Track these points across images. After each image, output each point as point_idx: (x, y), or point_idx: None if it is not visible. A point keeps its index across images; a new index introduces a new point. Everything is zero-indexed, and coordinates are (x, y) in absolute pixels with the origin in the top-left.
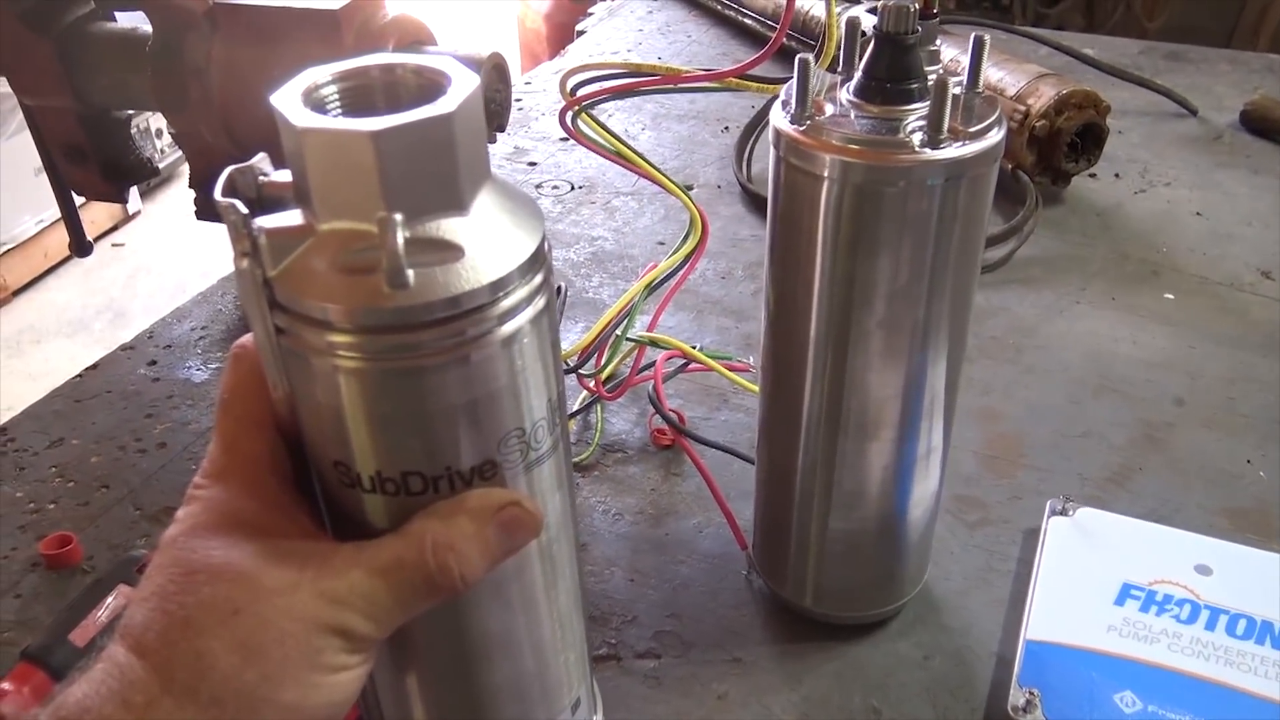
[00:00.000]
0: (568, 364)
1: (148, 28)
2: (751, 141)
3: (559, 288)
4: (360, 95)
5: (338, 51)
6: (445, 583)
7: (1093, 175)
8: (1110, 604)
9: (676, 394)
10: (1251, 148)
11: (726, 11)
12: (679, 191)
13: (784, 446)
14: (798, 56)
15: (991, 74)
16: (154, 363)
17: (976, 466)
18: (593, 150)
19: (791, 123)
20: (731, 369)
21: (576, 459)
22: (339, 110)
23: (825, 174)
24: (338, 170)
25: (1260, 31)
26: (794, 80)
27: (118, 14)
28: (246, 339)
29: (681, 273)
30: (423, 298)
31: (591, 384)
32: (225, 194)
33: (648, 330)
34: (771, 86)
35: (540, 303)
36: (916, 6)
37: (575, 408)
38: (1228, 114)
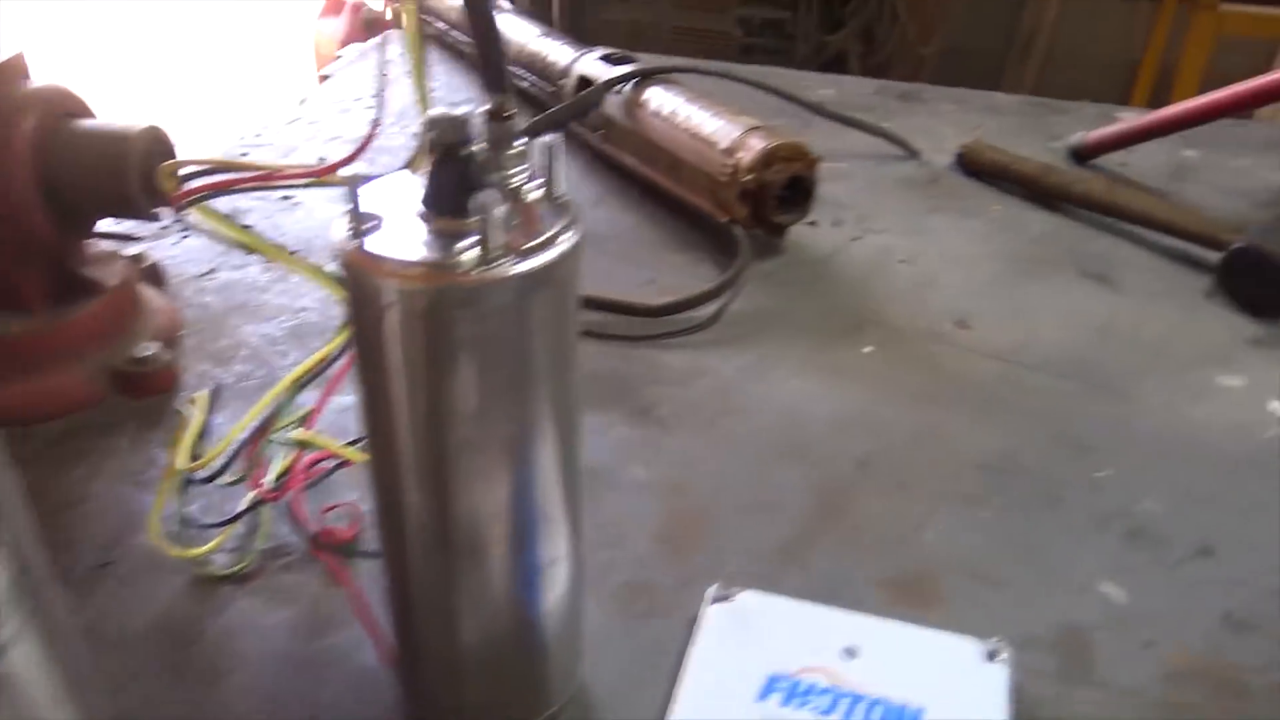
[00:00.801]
0: (205, 473)
1: None
2: None
3: (216, 386)
4: None
5: None
6: None
7: (813, 223)
8: (754, 699)
9: (353, 485)
10: (964, 190)
11: (474, 54)
12: (316, 275)
13: (400, 564)
14: (345, 175)
15: (705, 126)
16: None
17: (651, 548)
18: (216, 238)
19: (350, 239)
20: None
21: (234, 569)
22: None
23: (384, 299)
24: None
25: (1030, 52)
26: (348, 200)
27: None
28: None
29: (344, 362)
30: None
31: (254, 483)
32: None
33: (306, 427)
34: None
35: None
36: (477, 113)
37: (241, 508)
38: (948, 156)
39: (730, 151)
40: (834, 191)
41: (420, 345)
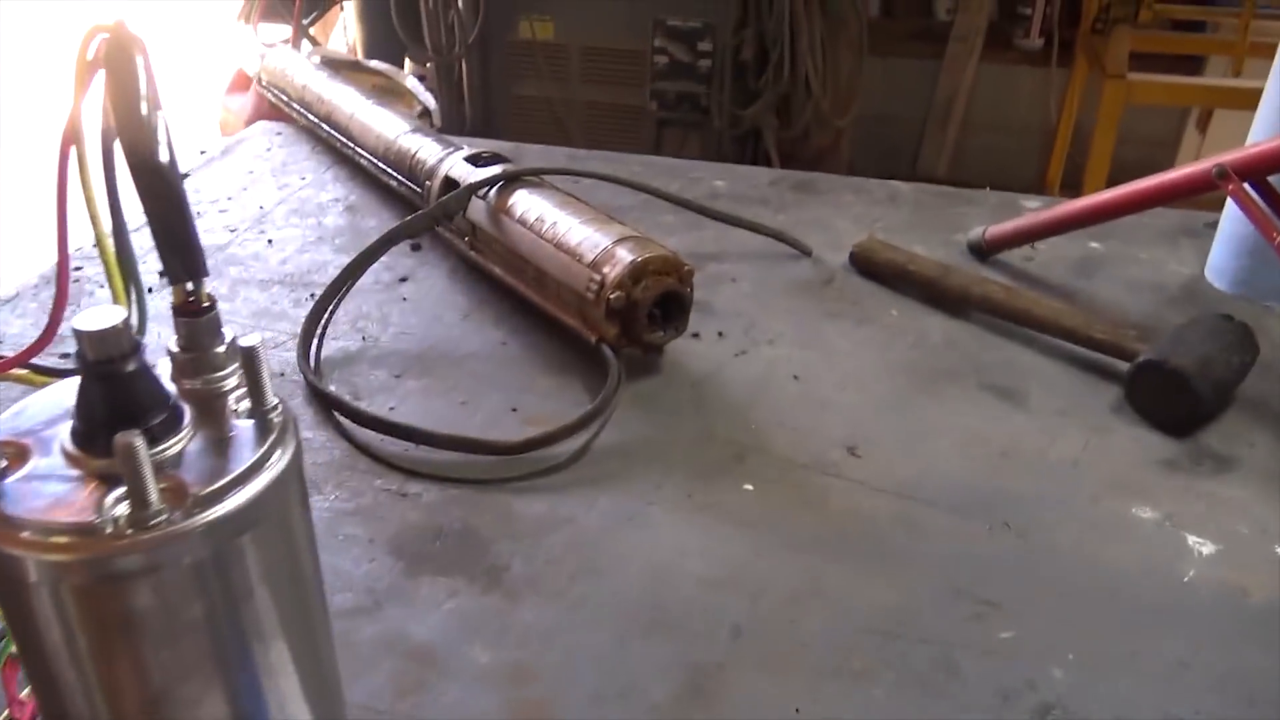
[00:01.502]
0: None
1: None
2: (326, 317)
3: None
4: None
5: None
6: None
7: (695, 335)
8: None
9: None
10: (860, 292)
11: (345, 150)
12: None
13: None
14: None
15: (572, 235)
16: None
17: None
18: None
19: None
20: None
21: None
22: None
23: (19, 572)
24: None
25: (949, 117)
26: None
27: None
28: None
29: None
30: None
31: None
32: None
33: None
34: (46, 378)
35: None
36: (129, 321)
37: None
38: (843, 253)
39: (596, 265)
40: (720, 298)
41: (79, 625)
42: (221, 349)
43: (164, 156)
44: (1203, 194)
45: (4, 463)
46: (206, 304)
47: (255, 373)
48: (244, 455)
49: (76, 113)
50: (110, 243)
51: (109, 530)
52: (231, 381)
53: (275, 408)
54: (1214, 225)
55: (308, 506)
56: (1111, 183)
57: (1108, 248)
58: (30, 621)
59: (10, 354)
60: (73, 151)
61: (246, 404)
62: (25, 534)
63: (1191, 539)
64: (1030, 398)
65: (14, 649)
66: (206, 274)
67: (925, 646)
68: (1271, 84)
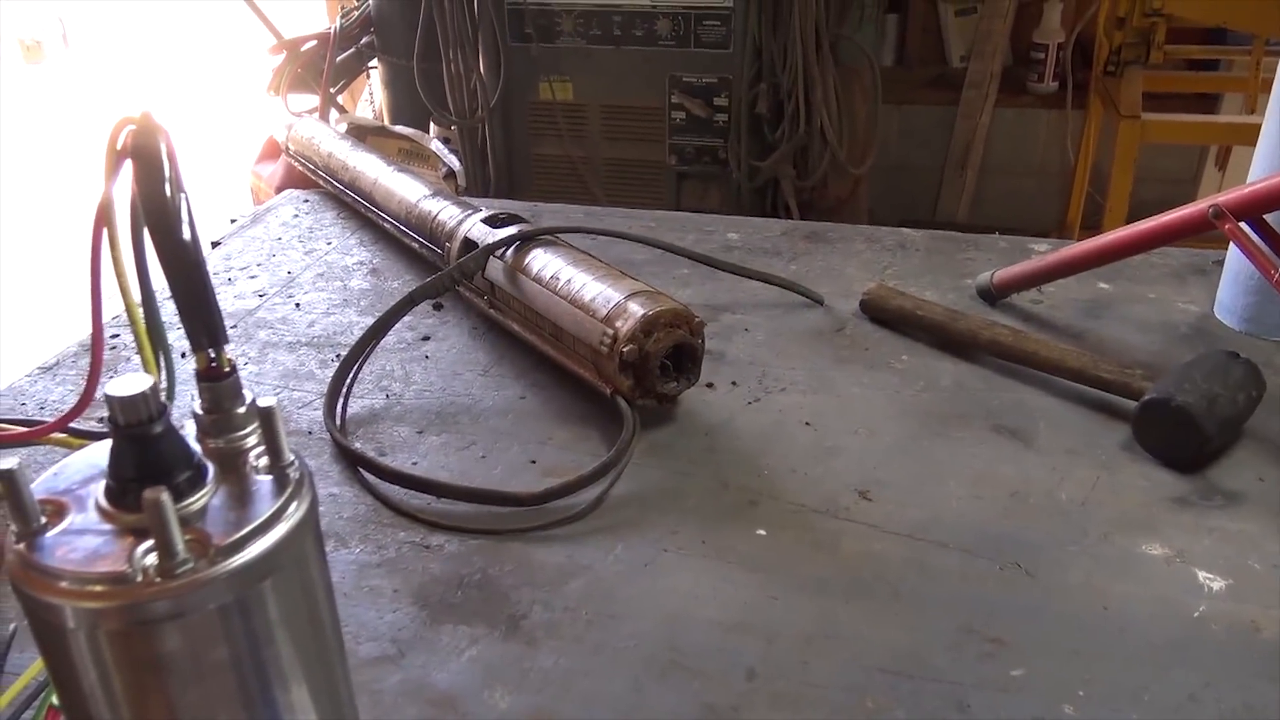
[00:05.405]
0: None
1: None
2: (350, 376)
3: (11, 628)
4: None
5: None
6: None
7: (709, 385)
8: None
9: None
10: (871, 339)
11: (368, 214)
12: None
13: None
14: (3, 467)
15: (586, 291)
16: None
17: None
18: None
19: (16, 543)
20: None
21: None
22: None
23: (57, 619)
24: None
25: (966, 162)
26: (9, 494)
27: None
28: None
29: None
30: None
31: None
32: None
33: None
34: (82, 440)
35: None
36: (156, 387)
37: None
38: (854, 300)
39: (609, 320)
40: (734, 347)
41: (114, 668)
42: (242, 410)
43: (186, 234)
44: (1202, 234)
45: (44, 519)
46: (228, 369)
47: (273, 431)
48: (263, 507)
49: (107, 196)
50: (140, 314)
51: (139, 579)
52: (252, 440)
53: (292, 463)
54: (1222, 263)
55: (324, 554)
56: (1131, 222)
57: (1116, 288)
58: (69, 665)
59: (50, 420)
60: (104, 231)
61: (265, 460)
62: (63, 584)
63: (1201, 575)
64: (1039, 438)
65: (55, 699)
66: (227, 341)
67: (937, 686)
68: (1268, 123)
